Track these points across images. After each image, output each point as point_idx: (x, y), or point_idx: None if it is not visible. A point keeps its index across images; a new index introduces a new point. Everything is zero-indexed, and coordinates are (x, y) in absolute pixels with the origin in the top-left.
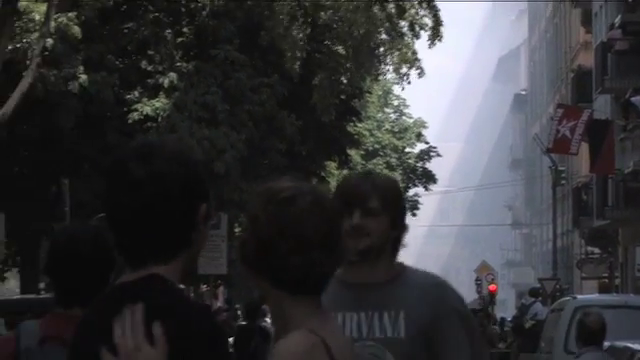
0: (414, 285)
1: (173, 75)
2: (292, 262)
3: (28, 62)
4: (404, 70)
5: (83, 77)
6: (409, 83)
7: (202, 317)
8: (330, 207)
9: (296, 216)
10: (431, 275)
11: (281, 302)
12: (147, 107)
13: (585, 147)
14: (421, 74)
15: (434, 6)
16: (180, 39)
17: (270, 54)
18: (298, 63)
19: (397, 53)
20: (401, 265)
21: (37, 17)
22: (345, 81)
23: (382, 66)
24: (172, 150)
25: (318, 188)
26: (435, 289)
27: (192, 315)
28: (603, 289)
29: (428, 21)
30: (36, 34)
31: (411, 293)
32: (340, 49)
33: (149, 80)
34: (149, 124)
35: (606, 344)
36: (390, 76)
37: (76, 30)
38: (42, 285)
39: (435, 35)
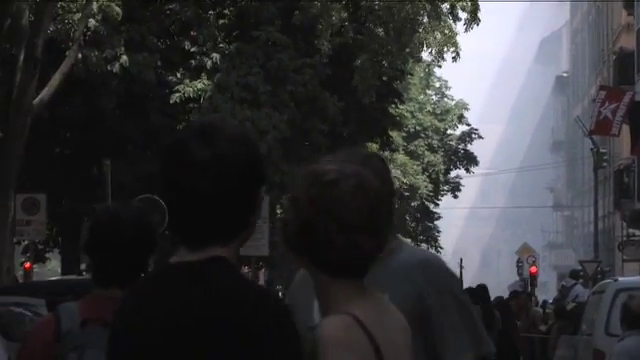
0: (399, 264)
1: (216, 56)
2: (333, 244)
3: (70, 43)
4: (444, 52)
5: (124, 58)
6: (439, 66)
7: (267, 300)
8: (373, 190)
9: (338, 199)
10: (420, 252)
11: (323, 283)
12: (189, 88)
13: (626, 129)
14: (456, 58)
15: None
16: (222, 21)
17: (312, 35)
18: (328, 41)
19: (439, 36)
20: (397, 241)
21: None
22: (386, 64)
23: (424, 48)
24: (233, 131)
25: (362, 171)
26: (420, 267)
27: (258, 298)
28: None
29: (468, 4)
30: (78, 15)
31: (396, 273)
32: (381, 31)
33: (192, 61)
34: (191, 105)
35: None
36: (430, 58)
37: (117, 11)
38: (83, 266)
39: (472, 19)
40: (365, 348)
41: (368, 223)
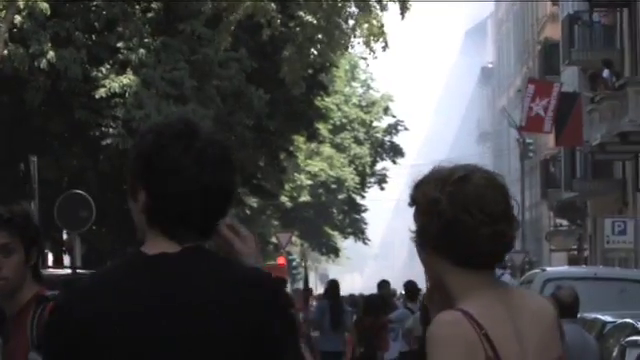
0: None
1: (142, 51)
2: (482, 236)
3: None
4: (372, 44)
5: (51, 54)
6: (375, 58)
7: (276, 283)
8: (501, 181)
9: (476, 192)
10: None
11: (454, 278)
12: (114, 83)
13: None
14: (385, 47)
15: None
16: (149, 14)
17: (237, 28)
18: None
19: (366, 26)
20: None
21: None
22: (315, 53)
23: (352, 39)
24: (209, 129)
25: (482, 166)
26: None
27: (257, 280)
28: (572, 261)
29: None
30: (4, 11)
31: None
32: (310, 18)
33: (118, 55)
34: (117, 100)
35: None
36: (359, 49)
37: (44, 6)
38: None
39: (404, 7)
40: (471, 340)
41: (505, 212)
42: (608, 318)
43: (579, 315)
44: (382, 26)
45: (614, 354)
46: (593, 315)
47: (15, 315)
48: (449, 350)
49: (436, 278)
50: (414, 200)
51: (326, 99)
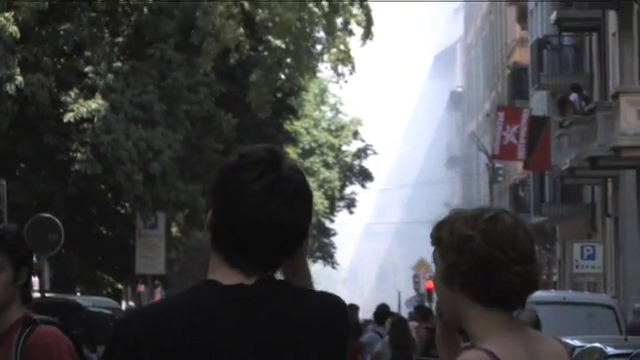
0: None
1: (110, 77)
2: (514, 273)
3: None
4: (340, 68)
5: (19, 79)
6: (346, 82)
7: (337, 306)
8: (526, 224)
9: (507, 231)
10: None
11: (477, 315)
12: (83, 108)
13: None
14: (352, 72)
15: (366, 5)
16: (118, 39)
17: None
18: (212, 62)
19: (334, 50)
20: None
21: None
22: (283, 77)
23: (320, 63)
24: (293, 166)
25: (505, 209)
26: None
27: (340, 304)
28: (541, 285)
29: (362, 19)
30: None
31: None
32: (279, 43)
33: (86, 80)
34: (85, 125)
35: None
36: (327, 74)
37: (14, 30)
38: None
39: (367, 34)
40: None
41: (533, 252)
42: (577, 342)
43: None
44: (349, 51)
45: None
46: (562, 339)
47: (0, 334)
48: None
49: (454, 316)
50: (438, 239)
51: (295, 123)
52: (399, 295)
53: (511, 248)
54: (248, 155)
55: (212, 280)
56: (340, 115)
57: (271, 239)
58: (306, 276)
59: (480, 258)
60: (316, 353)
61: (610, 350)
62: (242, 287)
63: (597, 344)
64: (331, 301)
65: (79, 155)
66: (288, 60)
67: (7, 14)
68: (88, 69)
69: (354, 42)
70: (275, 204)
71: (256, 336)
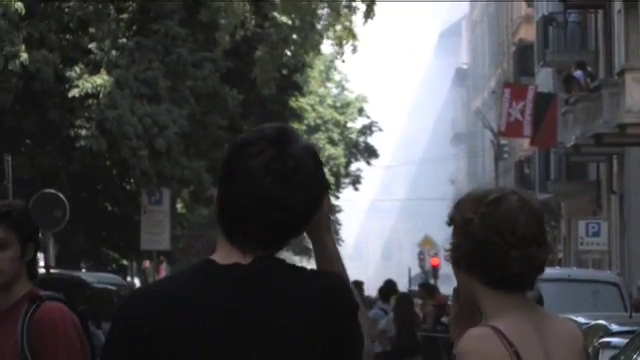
0: None
1: (114, 53)
2: (511, 258)
3: None
4: (344, 45)
5: (24, 55)
6: (343, 61)
7: (343, 287)
8: (535, 204)
9: (508, 214)
10: None
11: (486, 297)
12: (88, 84)
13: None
14: (354, 50)
15: None
16: (123, 15)
17: (213, 29)
18: (231, 35)
19: (339, 27)
20: None
21: None
22: (289, 54)
23: (324, 40)
24: (305, 142)
25: (519, 189)
26: None
27: (344, 282)
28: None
29: None
30: None
31: None
32: (285, 19)
33: (91, 56)
34: (90, 101)
35: None
36: (331, 50)
37: (19, 6)
38: None
39: (369, 12)
40: (501, 356)
41: (538, 235)
42: (581, 319)
43: None
44: (352, 29)
45: None
46: (566, 316)
47: (6, 310)
48: None
49: (468, 296)
50: (452, 219)
51: (300, 100)
52: (409, 271)
53: (509, 232)
54: (256, 132)
55: (210, 260)
56: (345, 92)
57: (265, 216)
58: (334, 257)
59: (478, 241)
60: (312, 333)
61: (614, 327)
62: (237, 267)
63: (601, 321)
64: (332, 281)
65: (84, 131)
66: (294, 37)
67: None
68: (92, 46)
69: (359, 19)
70: (269, 180)
71: (249, 316)
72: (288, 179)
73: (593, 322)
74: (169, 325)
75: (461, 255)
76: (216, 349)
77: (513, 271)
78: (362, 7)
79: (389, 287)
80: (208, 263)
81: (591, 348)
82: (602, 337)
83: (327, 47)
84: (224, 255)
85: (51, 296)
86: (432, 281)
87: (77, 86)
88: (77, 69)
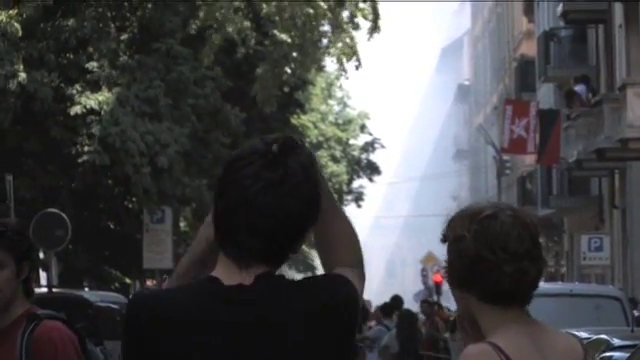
0: None
1: (113, 73)
2: (504, 274)
3: None
4: (345, 62)
5: (22, 75)
6: (347, 78)
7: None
8: (530, 220)
9: (501, 230)
10: None
11: (484, 313)
12: (90, 100)
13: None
14: (358, 67)
15: None
16: (123, 35)
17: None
18: (214, 50)
19: (340, 45)
20: None
21: None
22: (289, 71)
23: (326, 57)
24: (305, 150)
25: (515, 205)
26: None
27: (330, 286)
28: (549, 278)
29: (368, 12)
30: None
31: None
32: (285, 37)
33: (88, 76)
34: (92, 117)
35: None
36: (333, 68)
37: (16, 27)
38: None
39: (374, 28)
40: None
41: (530, 250)
42: (583, 334)
43: None
44: (354, 45)
45: None
46: (568, 331)
47: (4, 329)
48: None
49: (466, 312)
50: (445, 237)
51: (302, 117)
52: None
53: (501, 249)
54: (249, 146)
55: (213, 278)
56: (347, 109)
57: (253, 224)
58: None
59: (470, 258)
60: (315, 352)
61: (616, 342)
62: (241, 288)
63: (604, 336)
64: (339, 294)
65: (86, 148)
66: (294, 54)
67: (11, 12)
68: (90, 65)
69: (361, 36)
70: (256, 188)
71: (253, 337)
72: (276, 187)
73: (595, 337)
74: (176, 344)
75: (455, 272)
76: None
77: (505, 286)
78: (364, 23)
79: (394, 303)
80: (212, 282)
81: None
82: (604, 352)
83: (330, 64)
84: (224, 271)
85: (49, 315)
86: (435, 298)
87: (79, 103)
88: (78, 87)
